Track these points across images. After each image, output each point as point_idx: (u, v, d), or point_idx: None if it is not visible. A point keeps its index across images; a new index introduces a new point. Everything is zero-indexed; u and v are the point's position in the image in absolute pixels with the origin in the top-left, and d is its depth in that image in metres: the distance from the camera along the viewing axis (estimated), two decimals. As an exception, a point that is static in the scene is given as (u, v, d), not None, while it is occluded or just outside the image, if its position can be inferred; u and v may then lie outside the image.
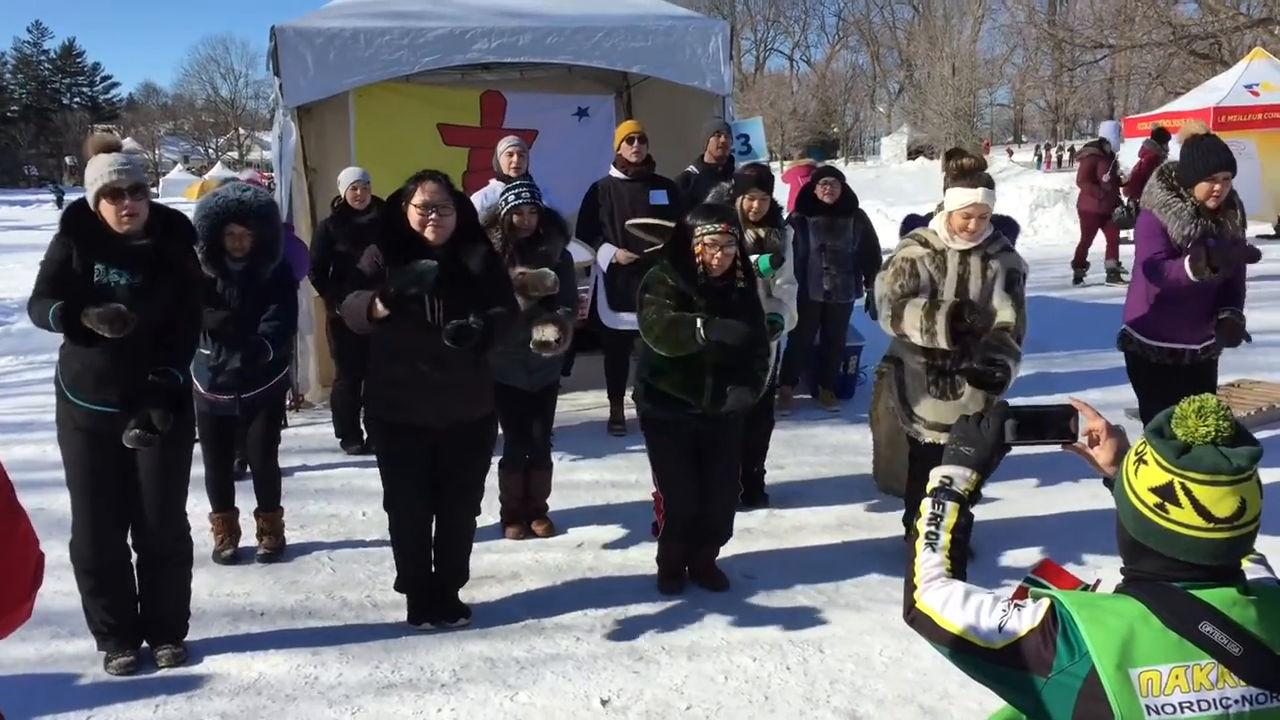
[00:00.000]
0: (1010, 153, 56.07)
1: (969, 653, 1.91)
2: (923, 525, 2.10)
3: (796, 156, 12.32)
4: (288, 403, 7.40)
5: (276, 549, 5.27)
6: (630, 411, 6.78)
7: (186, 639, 4.29)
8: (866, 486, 6.01)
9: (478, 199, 6.12)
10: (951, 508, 2.10)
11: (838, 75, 78.13)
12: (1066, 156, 56.08)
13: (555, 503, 5.64)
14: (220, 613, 4.63)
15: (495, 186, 6.74)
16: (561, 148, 8.59)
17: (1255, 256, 5.03)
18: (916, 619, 2.01)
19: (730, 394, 4.43)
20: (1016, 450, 2.21)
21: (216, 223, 4.93)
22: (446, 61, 7.67)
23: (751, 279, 4.60)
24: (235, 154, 74.66)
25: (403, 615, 4.51)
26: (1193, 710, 1.75)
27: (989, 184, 4.61)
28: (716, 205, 4.58)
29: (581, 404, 7.88)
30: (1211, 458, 1.79)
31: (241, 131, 79.16)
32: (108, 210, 3.82)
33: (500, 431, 4.90)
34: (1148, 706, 1.75)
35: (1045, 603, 1.87)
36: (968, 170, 4.62)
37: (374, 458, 4.52)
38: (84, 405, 3.93)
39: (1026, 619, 1.86)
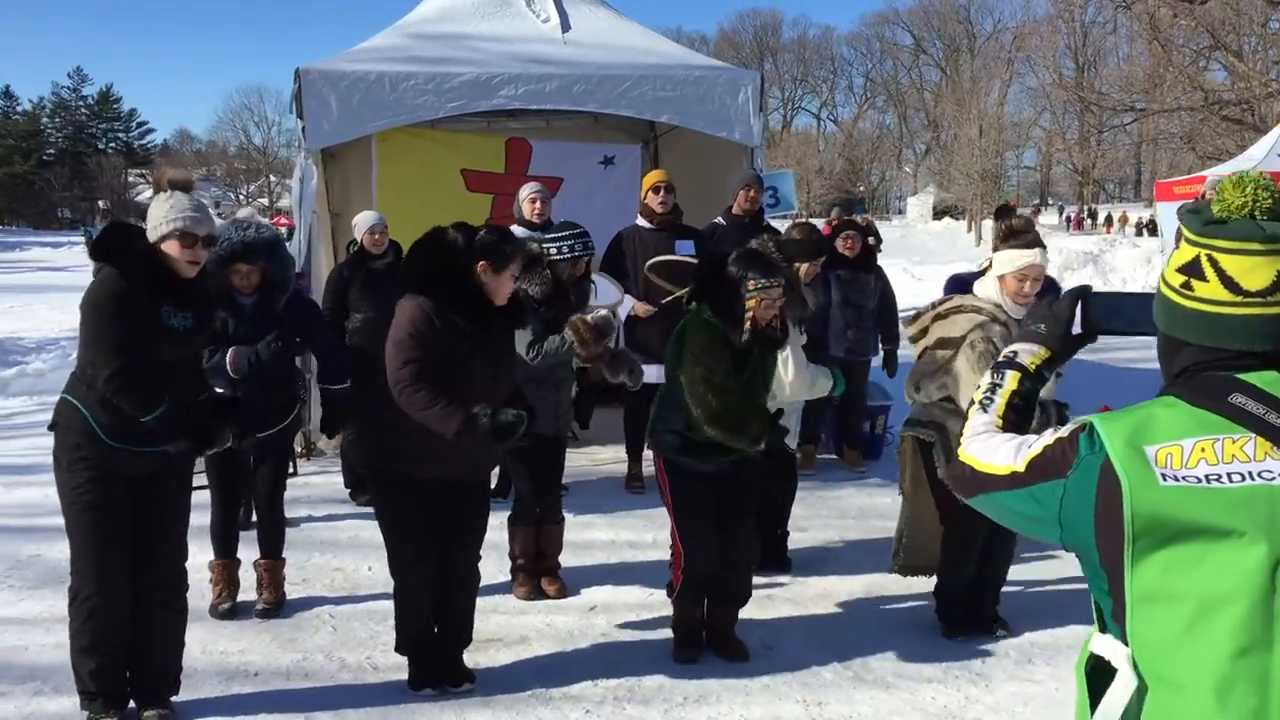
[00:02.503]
0: (1036, 214, 56.00)
1: (999, 487, 1.74)
2: (979, 395, 1.95)
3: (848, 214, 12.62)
4: (299, 449, 7.22)
5: (276, 603, 5.05)
6: (650, 468, 6.56)
7: (176, 699, 4.05)
8: (895, 553, 5.72)
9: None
10: (1012, 376, 1.95)
11: (864, 135, 78.67)
12: (1089, 220, 56.06)
13: (567, 561, 5.40)
14: (213, 671, 4.39)
15: (518, 232, 6.58)
16: (586, 196, 8.46)
17: None
18: (957, 475, 1.86)
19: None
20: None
21: (222, 266, 4.80)
22: (472, 107, 7.57)
23: (787, 330, 4.59)
24: (265, 200, 75.40)
25: (403, 678, 4.26)
26: (1220, 482, 1.51)
27: (1041, 244, 4.40)
28: (768, 259, 4.43)
29: (599, 459, 7.66)
30: (1242, 225, 1.60)
31: (273, 179, 79.96)
32: (174, 251, 3.69)
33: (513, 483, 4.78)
34: (1163, 475, 1.53)
35: (1079, 422, 1.69)
36: (1017, 230, 4.41)
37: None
38: (123, 448, 3.73)
39: (1058, 434, 1.69)
